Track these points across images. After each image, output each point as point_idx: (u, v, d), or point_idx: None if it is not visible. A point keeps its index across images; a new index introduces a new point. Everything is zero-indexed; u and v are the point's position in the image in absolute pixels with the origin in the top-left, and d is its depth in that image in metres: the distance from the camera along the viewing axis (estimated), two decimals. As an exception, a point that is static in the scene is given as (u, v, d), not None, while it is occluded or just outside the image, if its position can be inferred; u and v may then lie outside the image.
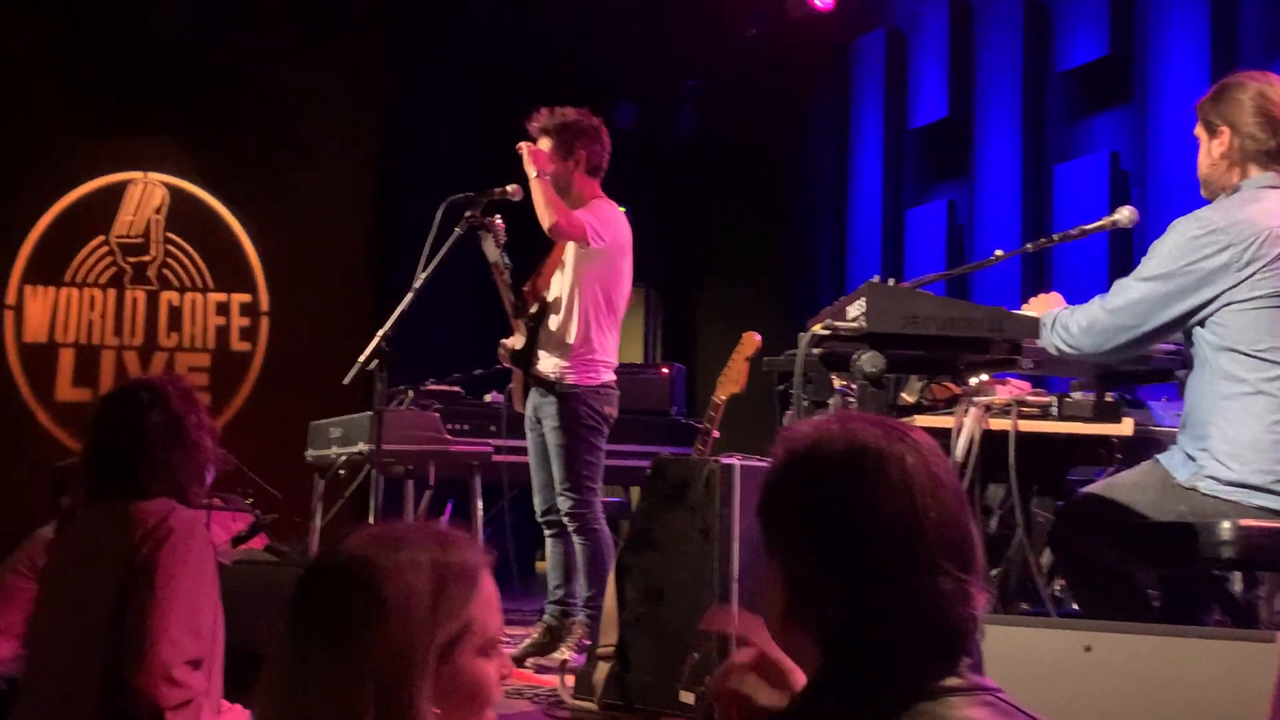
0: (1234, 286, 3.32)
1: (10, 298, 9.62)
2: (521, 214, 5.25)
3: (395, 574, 1.64)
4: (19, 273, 9.64)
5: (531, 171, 5.16)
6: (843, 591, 1.53)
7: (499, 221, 5.16)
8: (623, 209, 5.46)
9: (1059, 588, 4.23)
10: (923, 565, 1.51)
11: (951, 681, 1.51)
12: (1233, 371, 3.34)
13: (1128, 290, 3.42)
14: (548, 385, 5.29)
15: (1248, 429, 3.31)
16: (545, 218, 5.13)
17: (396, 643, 1.62)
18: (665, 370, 7.46)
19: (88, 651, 2.87)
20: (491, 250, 5.19)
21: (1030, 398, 3.62)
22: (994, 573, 3.63)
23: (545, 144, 5.33)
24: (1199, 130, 3.55)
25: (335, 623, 1.64)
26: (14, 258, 9.63)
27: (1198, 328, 3.40)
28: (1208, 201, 3.53)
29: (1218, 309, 3.35)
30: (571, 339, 5.28)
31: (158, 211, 9.82)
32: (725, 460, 4.16)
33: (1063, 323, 3.48)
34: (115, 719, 2.81)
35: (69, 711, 2.87)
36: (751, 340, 4.86)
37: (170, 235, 9.82)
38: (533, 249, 5.47)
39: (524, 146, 5.23)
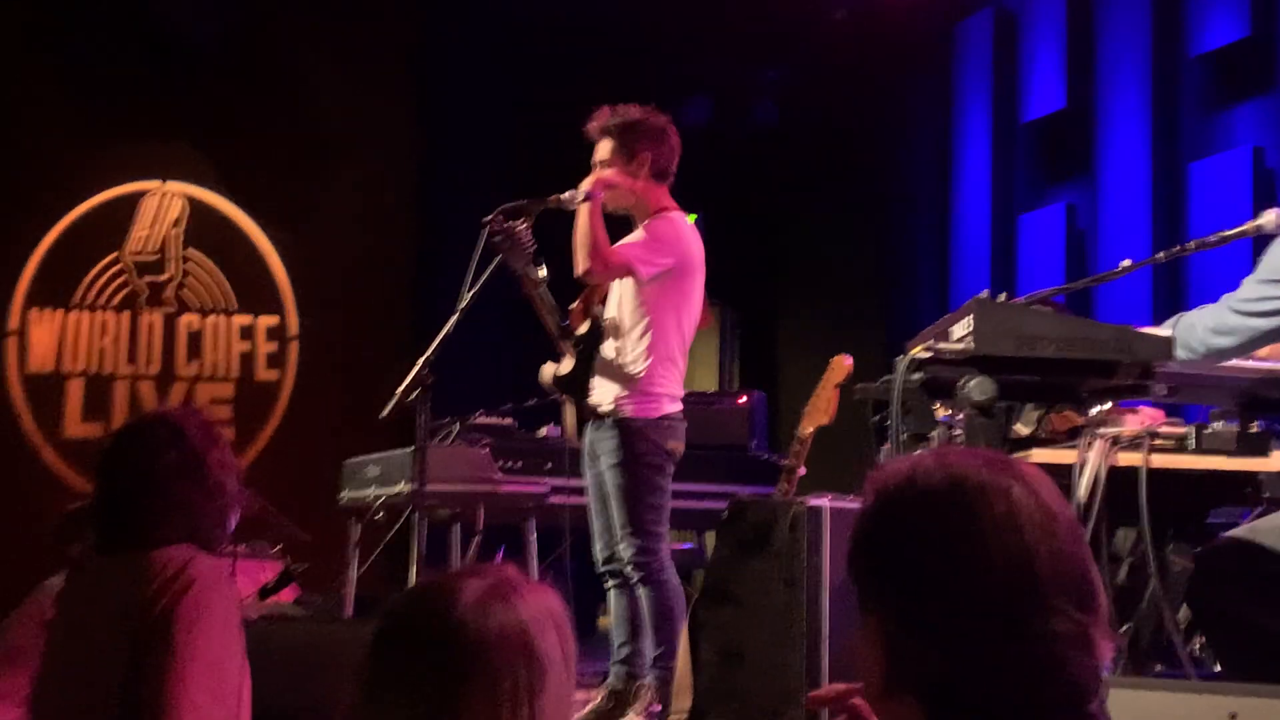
0: None
1: (13, 323, 9.76)
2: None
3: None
4: (22, 295, 9.78)
5: (579, 195, 5.18)
6: (946, 643, 1.53)
7: (520, 226, 5.12)
8: (693, 217, 5.46)
9: (1199, 646, 4.17)
10: (1035, 606, 1.51)
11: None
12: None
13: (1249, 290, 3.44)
14: (602, 417, 5.30)
15: None
16: (578, 261, 5.19)
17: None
18: (744, 399, 7.44)
19: (100, 718, 2.89)
20: (517, 261, 5.16)
21: (1164, 429, 3.57)
22: (1124, 629, 3.58)
23: (606, 147, 5.35)
24: None
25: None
26: (17, 278, 9.76)
27: None
28: None
29: None
30: (631, 367, 5.29)
31: (176, 225, 9.94)
32: (813, 501, 4.15)
33: (1188, 323, 3.50)
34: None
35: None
36: (842, 365, 4.85)
37: (190, 252, 9.94)
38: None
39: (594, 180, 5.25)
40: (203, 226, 9.95)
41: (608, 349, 5.35)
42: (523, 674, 1.65)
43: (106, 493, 3.15)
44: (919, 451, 1.85)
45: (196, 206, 9.96)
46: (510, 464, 6.37)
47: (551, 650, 1.69)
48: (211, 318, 9.93)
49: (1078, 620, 1.52)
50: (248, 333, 9.96)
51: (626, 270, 5.19)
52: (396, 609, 1.74)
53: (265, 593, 5.46)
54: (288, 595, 5.52)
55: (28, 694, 4.03)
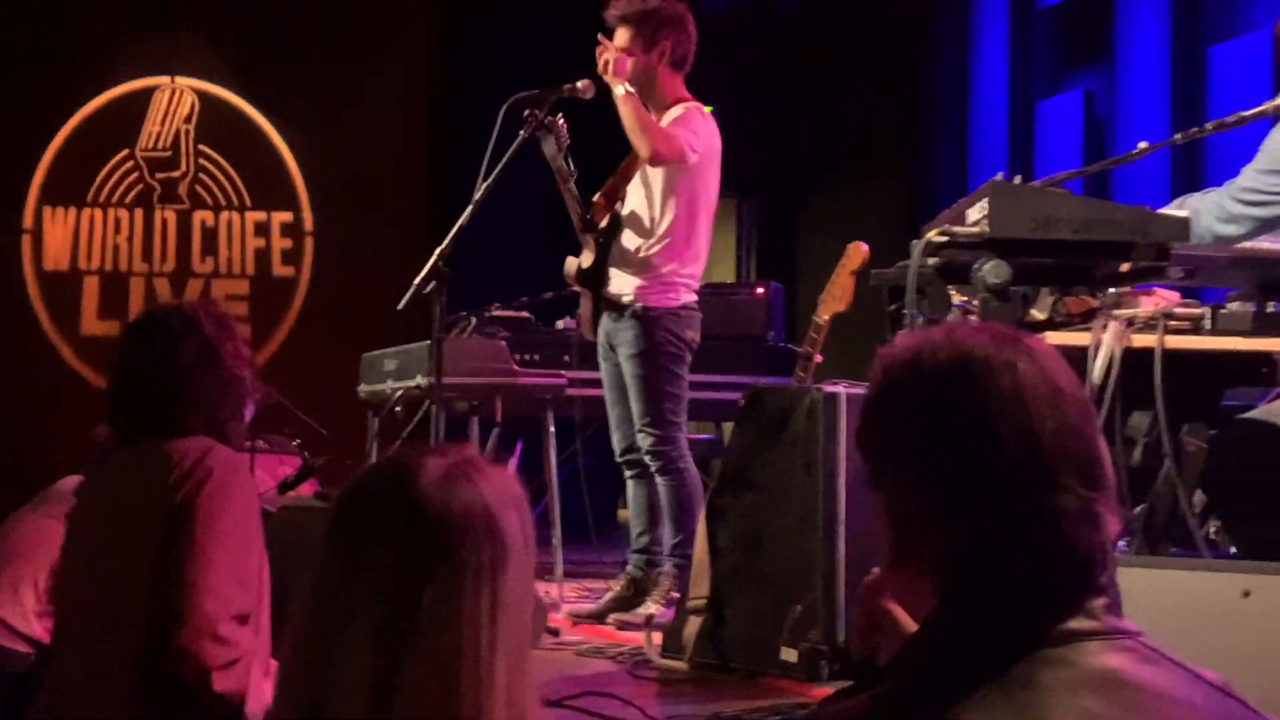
0: None
1: (27, 221, 9.78)
2: (593, 111, 5.25)
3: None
4: (35, 194, 9.79)
5: (618, 87, 5.15)
6: (952, 518, 1.54)
7: (560, 120, 5.15)
8: (709, 109, 5.44)
9: (1214, 529, 4.19)
10: (1042, 481, 1.52)
11: (1084, 624, 1.51)
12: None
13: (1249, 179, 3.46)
14: (621, 308, 5.32)
15: None
16: (642, 145, 5.13)
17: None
18: (761, 289, 7.44)
19: (124, 607, 2.93)
20: (553, 154, 5.20)
21: (1179, 310, 3.57)
22: (1138, 510, 3.61)
23: (624, 35, 5.32)
24: None
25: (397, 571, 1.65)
26: (30, 177, 9.77)
27: None
28: None
29: None
30: (649, 257, 5.30)
31: (187, 121, 9.91)
32: (829, 388, 4.18)
33: (1193, 208, 3.52)
34: (156, 680, 2.87)
35: (106, 673, 2.94)
36: (858, 251, 4.84)
37: (202, 148, 9.93)
38: (606, 152, 5.48)
39: (605, 53, 5.21)
40: (214, 122, 9.92)
41: (628, 239, 5.36)
42: (485, 551, 1.64)
43: (123, 383, 3.17)
44: (928, 328, 1.86)
45: (207, 101, 9.92)
46: (527, 357, 6.38)
47: (513, 530, 1.68)
48: (225, 214, 9.93)
49: (1084, 496, 1.53)
50: (262, 229, 9.96)
51: (681, 152, 5.17)
52: (358, 484, 1.72)
53: (285, 486, 5.51)
54: (307, 489, 5.57)
55: (37, 583, 4.11)
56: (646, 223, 5.33)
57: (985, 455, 1.53)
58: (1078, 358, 3.39)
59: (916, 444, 1.58)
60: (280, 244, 9.96)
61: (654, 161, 5.18)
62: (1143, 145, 4.00)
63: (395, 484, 1.68)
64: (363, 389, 6.81)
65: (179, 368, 3.10)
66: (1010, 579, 1.52)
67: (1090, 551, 1.53)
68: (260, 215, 9.96)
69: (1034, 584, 1.52)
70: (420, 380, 6.09)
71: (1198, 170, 7.38)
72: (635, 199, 5.38)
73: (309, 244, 9.96)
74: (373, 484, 1.72)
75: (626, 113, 5.15)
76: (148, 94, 9.90)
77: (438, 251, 4.77)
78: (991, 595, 1.53)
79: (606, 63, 5.19)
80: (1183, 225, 3.46)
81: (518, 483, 1.75)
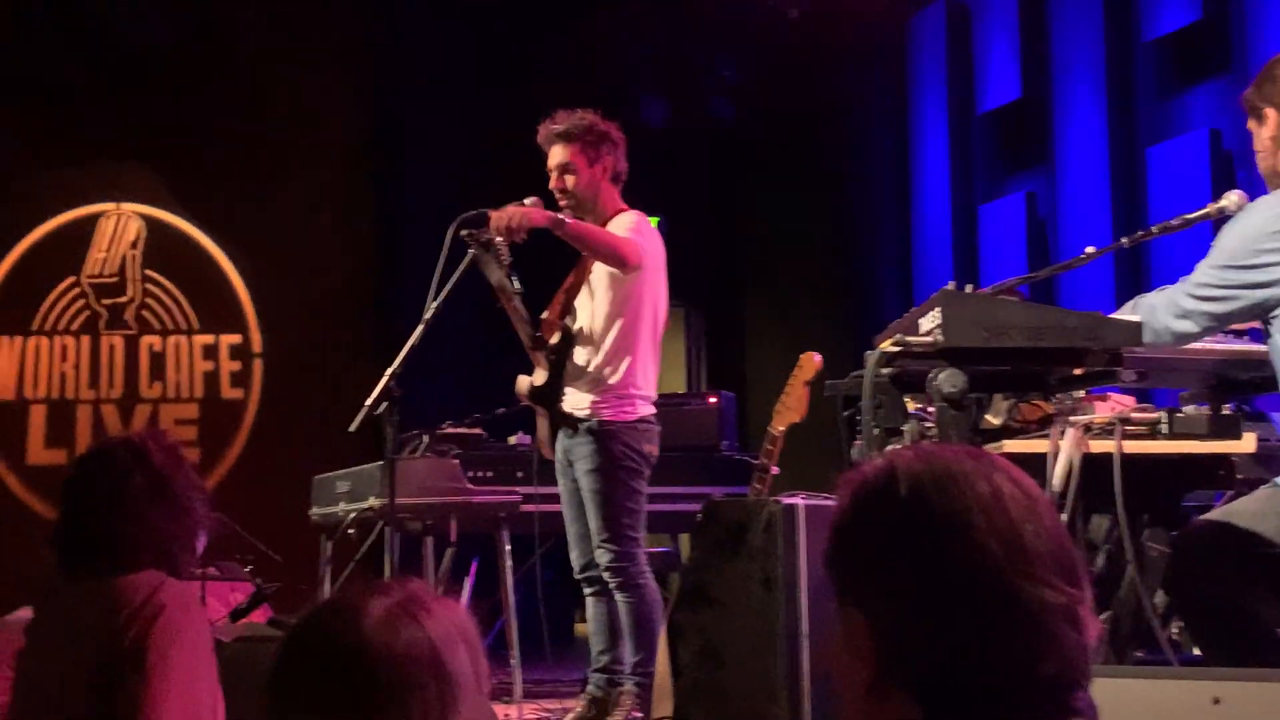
0: None
1: (-28, 350, 9.68)
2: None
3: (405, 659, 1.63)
4: (-20, 322, 9.71)
5: (552, 225, 5.12)
6: (939, 626, 1.53)
7: (499, 240, 5.10)
8: (655, 220, 5.46)
9: (1177, 631, 4.18)
10: (1026, 577, 1.52)
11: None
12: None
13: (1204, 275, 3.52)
14: (577, 424, 5.29)
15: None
16: (613, 260, 5.16)
17: None
18: (713, 399, 7.43)
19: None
20: (495, 273, 5.15)
21: (1135, 414, 3.58)
22: (1103, 617, 3.58)
23: (562, 151, 5.34)
24: (1250, 124, 3.64)
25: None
26: (-25, 306, 9.70)
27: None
28: None
29: None
30: (604, 372, 5.28)
31: (134, 246, 9.88)
32: (787, 500, 4.14)
33: (1148, 305, 3.54)
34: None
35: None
36: (811, 361, 4.84)
37: (149, 272, 9.89)
38: (549, 267, 5.47)
39: (506, 220, 5.02)
40: (161, 247, 9.90)
41: (580, 356, 5.34)
42: (433, 693, 1.61)
43: (71, 518, 3.11)
44: (893, 447, 1.85)
45: (154, 226, 9.90)
46: (481, 474, 6.33)
47: (462, 668, 1.64)
48: (173, 338, 9.87)
49: (1068, 593, 1.53)
50: (210, 352, 9.90)
51: (639, 255, 5.19)
52: (300, 628, 1.69)
53: (237, 614, 5.41)
54: (260, 616, 5.48)
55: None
56: (597, 337, 5.31)
57: (971, 558, 1.53)
58: (1036, 464, 3.38)
59: (898, 554, 1.57)
60: (229, 366, 9.90)
61: (629, 270, 5.19)
62: (1090, 250, 4.03)
63: (337, 632, 1.64)
64: (315, 511, 6.72)
65: (127, 502, 3.04)
66: (998, 682, 1.50)
67: (1074, 651, 1.53)
68: (208, 338, 9.91)
69: (1021, 686, 1.50)
70: (373, 501, 6.03)
71: (1142, 270, 7.45)
72: (584, 314, 5.37)
73: (258, 366, 9.90)
74: (315, 633, 1.68)
75: (577, 238, 5.16)
76: (93, 220, 9.87)
77: (389, 372, 4.73)
78: (982, 701, 1.51)
79: (516, 224, 5.02)
80: (1135, 330, 3.47)
81: (466, 615, 1.72)
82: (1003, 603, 1.51)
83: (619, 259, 5.15)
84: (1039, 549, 1.54)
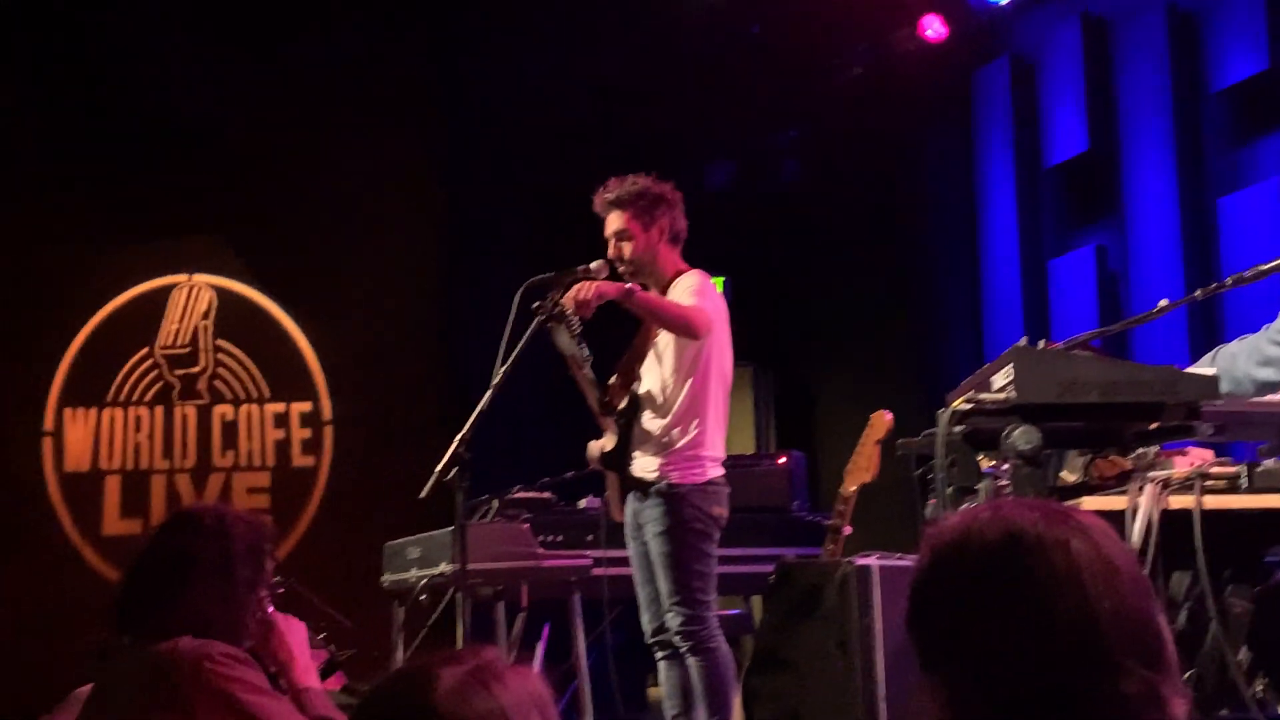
0: None
1: (48, 423, 9.79)
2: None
3: None
4: (56, 395, 9.81)
5: (621, 296, 5.12)
6: (1011, 706, 1.48)
7: (570, 310, 5.11)
8: (719, 282, 5.46)
9: (1262, 688, 4.09)
10: (1102, 667, 1.47)
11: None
12: None
13: None
14: (646, 487, 5.27)
15: None
16: (683, 330, 5.15)
17: None
18: (783, 460, 7.40)
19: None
20: (566, 342, 5.17)
21: (1215, 469, 3.52)
22: (1187, 675, 3.52)
23: (618, 219, 5.36)
24: None
25: None
26: (51, 379, 9.80)
27: None
28: None
29: None
30: (672, 434, 5.27)
31: (205, 317, 9.98)
32: (861, 560, 4.11)
33: (1229, 354, 3.49)
34: None
35: None
36: (882, 420, 4.82)
37: (220, 342, 9.97)
38: (617, 334, 5.47)
39: (579, 294, 5.08)
40: (232, 317, 9.99)
41: (647, 420, 5.34)
42: None
43: (135, 581, 3.13)
44: (973, 505, 1.81)
45: (224, 297, 10.00)
46: (552, 538, 6.33)
47: None
48: (245, 407, 9.94)
49: (1147, 679, 1.48)
50: (281, 421, 9.96)
51: (708, 322, 5.19)
52: (374, 696, 1.68)
53: (311, 682, 5.41)
54: (334, 683, 5.48)
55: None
56: (665, 400, 5.31)
57: (1040, 637, 1.49)
58: (1114, 521, 3.33)
59: (968, 626, 1.53)
60: (300, 434, 9.95)
61: (698, 336, 5.18)
62: (1164, 303, 3.99)
63: (410, 700, 1.63)
64: (386, 578, 6.74)
65: (189, 569, 3.06)
66: None
67: None
68: (279, 406, 9.96)
69: None
70: (445, 567, 6.04)
71: (1216, 323, 7.36)
72: (651, 378, 5.37)
73: (328, 433, 9.94)
74: (387, 700, 1.67)
75: (646, 309, 5.17)
76: (166, 292, 9.98)
77: (458, 437, 4.74)
78: None
79: (589, 297, 5.06)
80: (1211, 383, 3.43)
81: (540, 682, 1.70)
82: (1076, 694, 1.47)
83: (689, 329, 5.15)
84: (1117, 630, 1.49)
